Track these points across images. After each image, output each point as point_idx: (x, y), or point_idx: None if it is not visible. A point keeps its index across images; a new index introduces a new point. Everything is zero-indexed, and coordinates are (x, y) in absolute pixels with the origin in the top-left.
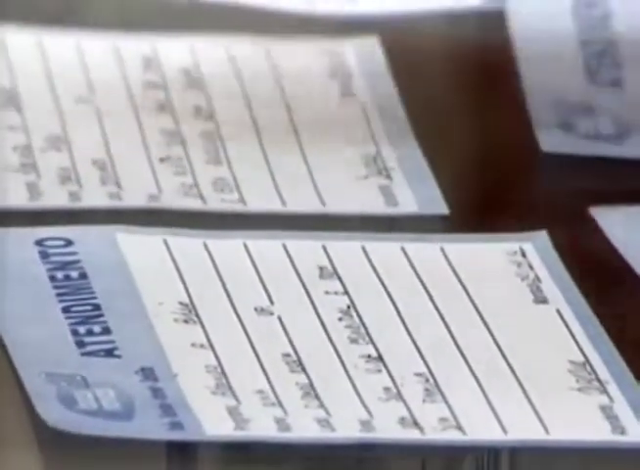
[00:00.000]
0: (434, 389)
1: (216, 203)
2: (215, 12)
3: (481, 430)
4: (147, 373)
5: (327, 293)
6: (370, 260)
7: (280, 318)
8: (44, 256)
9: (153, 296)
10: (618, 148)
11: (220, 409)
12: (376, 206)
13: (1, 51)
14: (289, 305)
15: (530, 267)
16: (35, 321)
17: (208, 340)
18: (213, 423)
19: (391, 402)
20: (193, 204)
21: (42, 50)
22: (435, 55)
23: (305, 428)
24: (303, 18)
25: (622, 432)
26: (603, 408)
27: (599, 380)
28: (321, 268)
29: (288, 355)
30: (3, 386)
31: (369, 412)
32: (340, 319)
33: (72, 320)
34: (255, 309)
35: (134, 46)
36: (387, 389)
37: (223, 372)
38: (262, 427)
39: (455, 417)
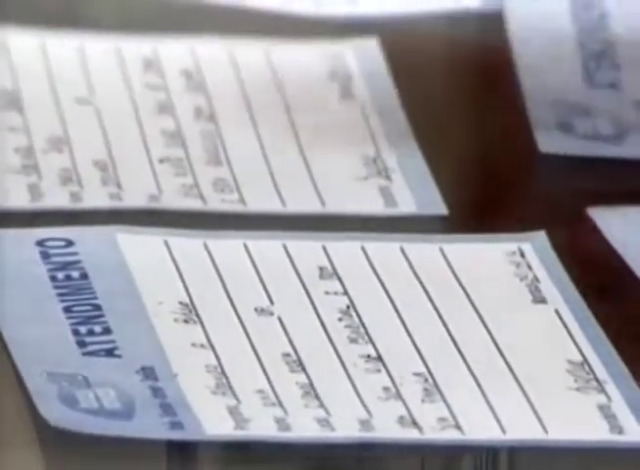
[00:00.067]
0: (432, 389)
1: (216, 203)
2: (216, 14)
3: (480, 429)
4: (147, 373)
5: (327, 293)
6: (369, 261)
7: (280, 318)
8: (45, 256)
9: (153, 296)
10: (617, 148)
11: (220, 409)
12: (375, 206)
13: (3, 52)
14: (289, 305)
15: (529, 268)
16: (36, 321)
17: (209, 340)
18: (213, 423)
19: (391, 402)
20: (193, 204)
21: (43, 51)
22: (435, 56)
23: (305, 427)
24: (303, 19)
25: (620, 431)
26: (601, 408)
27: (597, 380)
28: (321, 269)
29: (288, 355)
30: (5, 385)
31: (368, 412)
32: (339, 319)
33: (73, 320)
34: (255, 309)
35: (135, 48)
36: (386, 388)
37: (223, 372)
38: (262, 427)
39: (454, 417)
